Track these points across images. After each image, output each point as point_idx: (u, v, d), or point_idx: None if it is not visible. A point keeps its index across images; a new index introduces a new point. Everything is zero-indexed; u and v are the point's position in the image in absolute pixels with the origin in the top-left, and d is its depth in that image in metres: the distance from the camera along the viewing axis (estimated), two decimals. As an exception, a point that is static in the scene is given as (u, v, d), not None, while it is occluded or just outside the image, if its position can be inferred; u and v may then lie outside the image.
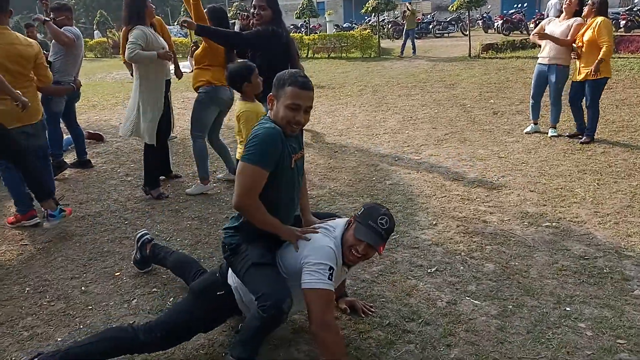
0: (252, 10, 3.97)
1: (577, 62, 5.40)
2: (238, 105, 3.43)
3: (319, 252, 2.06)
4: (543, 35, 5.43)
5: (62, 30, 4.78)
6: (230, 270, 2.31)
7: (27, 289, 2.97)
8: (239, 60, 3.99)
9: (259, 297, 2.02)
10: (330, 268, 2.03)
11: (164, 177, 4.86)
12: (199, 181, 4.52)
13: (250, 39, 3.94)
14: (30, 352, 2.33)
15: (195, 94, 4.41)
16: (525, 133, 5.92)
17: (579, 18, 5.39)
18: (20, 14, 50.66)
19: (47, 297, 2.86)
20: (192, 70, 4.89)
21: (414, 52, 16.03)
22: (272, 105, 2.20)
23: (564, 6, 5.56)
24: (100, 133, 6.76)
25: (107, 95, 10.55)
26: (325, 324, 2.00)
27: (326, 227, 2.24)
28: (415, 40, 16.52)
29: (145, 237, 3.03)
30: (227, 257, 2.28)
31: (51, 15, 4.89)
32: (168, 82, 4.45)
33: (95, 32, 28.67)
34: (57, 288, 2.96)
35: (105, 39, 25.69)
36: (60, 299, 2.83)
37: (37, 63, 3.75)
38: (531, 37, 5.94)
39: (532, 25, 20.27)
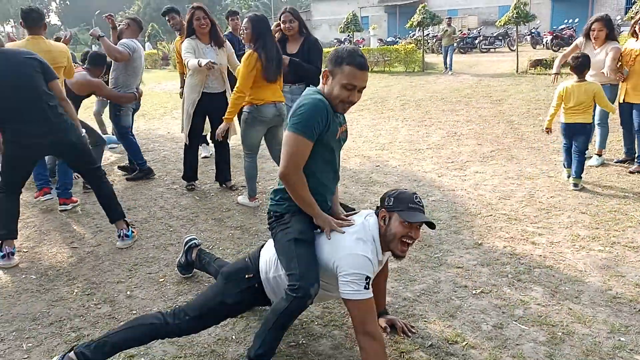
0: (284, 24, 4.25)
1: (623, 84, 5.01)
2: None
3: (354, 261, 2.03)
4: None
5: (117, 44, 4.99)
6: (261, 260, 2.34)
7: (76, 290, 3.07)
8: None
9: (290, 274, 2.07)
10: (367, 278, 2.02)
11: (220, 185, 5.03)
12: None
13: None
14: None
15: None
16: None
17: (614, 42, 5.01)
18: (77, 27, 53.36)
19: (94, 299, 2.95)
20: None
21: (450, 69, 15.12)
22: (326, 80, 2.21)
23: (592, 37, 5.09)
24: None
25: (156, 105, 10.92)
26: (367, 334, 2.00)
27: (362, 225, 2.18)
28: (452, 57, 15.46)
29: (193, 241, 3.09)
30: (270, 224, 2.32)
31: (110, 28, 5.13)
32: (214, 95, 4.62)
33: (146, 44, 29.78)
34: (104, 291, 3.04)
35: (155, 51, 26.65)
36: (107, 302, 2.91)
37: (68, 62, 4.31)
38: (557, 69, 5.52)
39: (549, 38, 19.55)
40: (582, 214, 3.98)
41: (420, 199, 2.18)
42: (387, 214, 2.16)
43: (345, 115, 2.37)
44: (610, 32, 5.06)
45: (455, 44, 17.62)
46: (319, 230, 2.25)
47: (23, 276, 3.28)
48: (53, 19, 68.31)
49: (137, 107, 5.62)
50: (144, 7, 48.98)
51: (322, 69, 2.26)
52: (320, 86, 2.27)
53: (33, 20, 4.13)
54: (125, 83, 5.13)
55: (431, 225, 2.14)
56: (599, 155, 5.32)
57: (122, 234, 3.70)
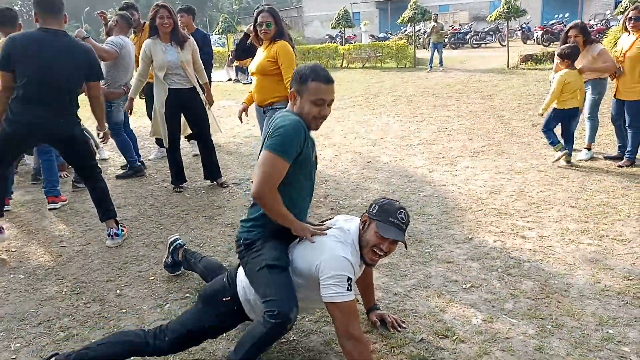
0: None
1: (615, 81, 5.06)
2: None
3: (334, 263, 2.01)
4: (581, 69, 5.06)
5: (103, 44, 4.99)
6: (238, 282, 2.28)
7: (65, 290, 3.04)
8: None
9: (267, 301, 2.00)
10: (349, 279, 2.00)
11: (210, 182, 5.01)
12: None
13: None
14: (48, 352, 2.38)
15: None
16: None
17: (598, 45, 5.09)
18: (67, 24, 52.85)
19: (84, 298, 2.93)
20: (246, 81, 4.87)
21: (441, 64, 14.99)
22: (294, 100, 2.20)
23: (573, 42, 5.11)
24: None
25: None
26: (350, 336, 1.98)
27: (340, 229, 2.17)
28: (442, 53, 15.31)
29: (178, 242, 3.07)
30: (240, 252, 2.26)
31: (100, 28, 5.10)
32: (181, 91, 4.58)
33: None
34: (94, 290, 3.02)
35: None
36: (96, 301, 2.89)
37: None
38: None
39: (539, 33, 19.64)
40: (571, 207, 4.01)
41: (405, 215, 2.13)
42: (367, 220, 2.15)
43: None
44: (586, 36, 5.10)
45: (446, 40, 17.45)
46: (297, 240, 2.22)
47: (11, 276, 3.25)
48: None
49: None
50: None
51: (289, 90, 2.25)
52: (289, 107, 2.25)
53: (9, 21, 4.10)
54: (116, 80, 5.10)
55: (405, 245, 2.13)
56: (589, 149, 5.36)
57: (111, 233, 3.67)
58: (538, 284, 2.88)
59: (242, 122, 4.32)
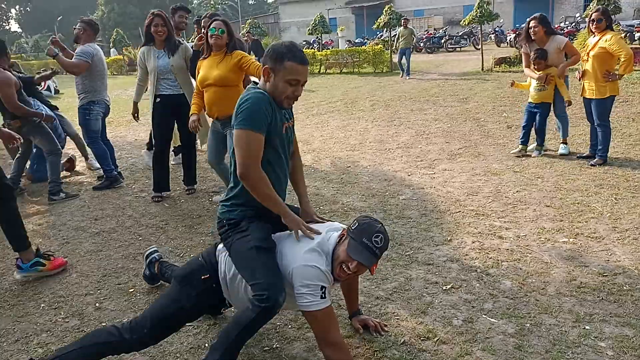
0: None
1: (582, 80, 5.20)
2: None
3: (307, 273, 2.00)
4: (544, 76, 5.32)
5: (75, 53, 4.99)
6: (220, 258, 2.26)
7: (42, 305, 2.98)
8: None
9: (256, 284, 1.99)
10: (322, 287, 1.99)
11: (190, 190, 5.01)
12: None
13: None
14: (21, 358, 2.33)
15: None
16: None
17: (560, 37, 5.36)
18: (39, 33, 51.97)
19: (62, 313, 2.87)
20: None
21: (408, 73, 13.89)
22: (268, 77, 2.16)
23: (533, 37, 5.35)
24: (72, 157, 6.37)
25: (123, 112, 10.72)
26: (329, 343, 1.99)
27: (322, 237, 2.15)
28: (410, 60, 14.32)
29: (154, 255, 3.03)
30: (223, 233, 2.22)
31: (60, 53, 5.04)
32: (171, 97, 4.61)
33: (111, 49, 29.19)
34: (72, 304, 2.97)
35: (121, 57, 26.16)
36: (75, 316, 2.84)
37: None
38: (530, 74, 5.53)
39: (512, 36, 20.10)
40: (547, 207, 4.09)
41: (381, 240, 2.05)
42: (345, 235, 2.12)
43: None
44: (546, 27, 5.32)
45: (414, 45, 16.72)
46: (287, 232, 2.22)
47: (-14, 293, 3.18)
48: (13, 26, 66.42)
49: (107, 112, 5.50)
50: (108, 12, 47.99)
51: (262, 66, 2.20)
52: (260, 83, 2.23)
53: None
54: (93, 88, 5.06)
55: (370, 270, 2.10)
56: (565, 143, 5.59)
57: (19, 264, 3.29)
58: (516, 283, 2.94)
59: (197, 132, 4.29)
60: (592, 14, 5.07)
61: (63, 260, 3.45)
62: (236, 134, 2.11)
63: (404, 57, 14.32)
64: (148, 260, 3.03)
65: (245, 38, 13.42)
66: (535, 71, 5.39)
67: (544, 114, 5.49)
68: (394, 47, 15.80)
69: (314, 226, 2.22)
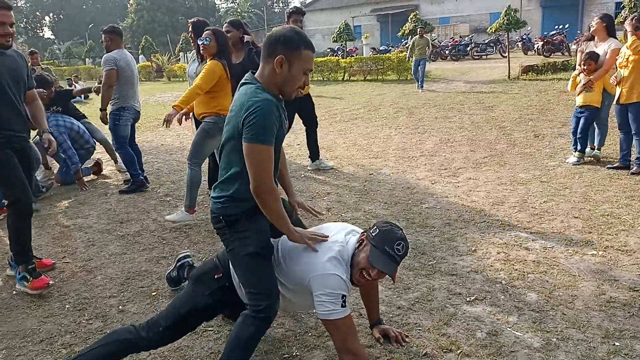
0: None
1: (619, 87, 5.09)
2: None
3: (327, 281, 1.99)
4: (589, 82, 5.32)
5: (105, 56, 5.14)
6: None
7: (67, 306, 3.03)
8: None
9: (254, 292, 1.99)
10: (343, 296, 1.98)
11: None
12: (183, 209, 4.34)
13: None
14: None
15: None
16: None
17: (614, 40, 5.28)
18: (71, 40, 53.46)
19: (86, 315, 2.92)
20: None
21: (421, 86, 13.14)
22: (282, 67, 1.99)
23: (592, 33, 5.46)
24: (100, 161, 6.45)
25: (150, 117, 10.91)
26: (348, 351, 1.99)
27: (340, 243, 2.12)
28: (424, 71, 13.50)
29: (187, 260, 3.04)
30: (220, 228, 2.17)
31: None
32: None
33: (140, 56, 29.81)
34: (96, 306, 3.01)
35: (149, 63, 26.69)
36: (99, 318, 2.88)
37: None
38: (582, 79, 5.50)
39: (573, 47, 19.82)
40: (575, 218, 3.99)
41: (403, 247, 2.04)
42: (365, 241, 2.10)
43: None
44: (609, 27, 5.32)
45: (430, 56, 15.79)
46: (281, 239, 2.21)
47: (14, 292, 3.25)
48: (47, 33, 68.45)
49: (137, 118, 5.59)
50: (137, 20, 49.13)
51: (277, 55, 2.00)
52: (266, 73, 2.04)
53: None
54: (122, 94, 5.17)
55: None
56: (597, 149, 5.64)
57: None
58: (543, 296, 2.86)
59: (180, 124, 4.45)
60: (631, 19, 4.97)
61: (45, 281, 3.20)
62: (248, 147, 1.98)
63: (419, 68, 13.34)
64: (179, 263, 3.04)
65: None
66: (584, 71, 5.39)
67: (588, 118, 5.40)
68: (407, 57, 14.76)
69: (317, 229, 2.22)
